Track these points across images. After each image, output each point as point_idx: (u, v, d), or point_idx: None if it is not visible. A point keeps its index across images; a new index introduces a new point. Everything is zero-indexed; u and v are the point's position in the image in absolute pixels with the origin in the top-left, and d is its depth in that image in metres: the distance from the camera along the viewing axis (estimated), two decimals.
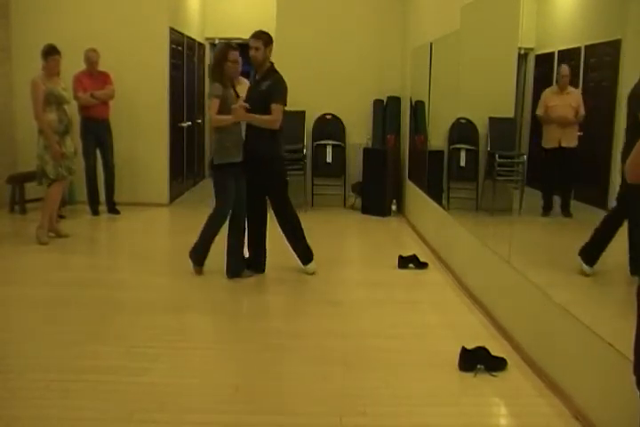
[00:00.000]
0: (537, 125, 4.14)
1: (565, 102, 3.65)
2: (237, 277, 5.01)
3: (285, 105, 4.93)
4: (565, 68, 3.66)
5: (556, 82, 3.74)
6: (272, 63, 5.00)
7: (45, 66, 5.90)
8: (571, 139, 3.64)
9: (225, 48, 4.90)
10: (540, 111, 3.85)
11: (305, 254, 5.22)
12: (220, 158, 4.88)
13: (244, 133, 5.02)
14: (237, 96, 4.96)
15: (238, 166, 4.91)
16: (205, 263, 5.14)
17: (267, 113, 4.84)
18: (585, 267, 3.22)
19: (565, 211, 3.78)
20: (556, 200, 3.93)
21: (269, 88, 4.90)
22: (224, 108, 4.76)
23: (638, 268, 2.78)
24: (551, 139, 3.79)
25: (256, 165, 4.94)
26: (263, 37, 4.91)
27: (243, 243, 5.09)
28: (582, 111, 3.48)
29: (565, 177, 3.75)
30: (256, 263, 5.17)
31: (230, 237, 4.99)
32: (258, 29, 5.02)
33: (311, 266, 5.22)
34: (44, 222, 6.04)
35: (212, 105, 4.79)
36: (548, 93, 3.82)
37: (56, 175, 5.92)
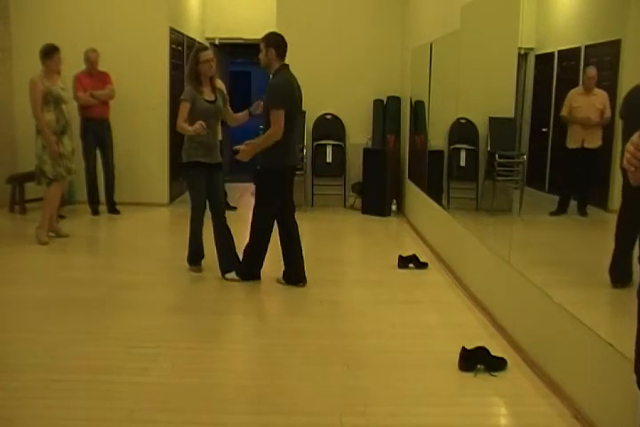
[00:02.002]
0: (537, 126, 4.14)
1: (590, 103, 3.63)
2: (191, 265, 5.15)
3: (284, 108, 4.56)
4: (592, 70, 3.63)
5: (582, 83, 3.72)
6: (281, 65, 4.69)
7: (47, 64, 5.88)
8: (594, 140, 3.62)
9: (195, 52, 4.95)
10: (564, 112, 3.83)
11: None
12: (186, 157, 4.97)
13: (219, 136, 5.04)
14: (215, 97, 4.95)
15: (211, 167, 4.95)
16: (206, 264, 5.15)
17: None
18: None
19: (582, 210, 3.74)
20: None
21: (266, 95, 4.72)
22: (192, 111, 4.80)
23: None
24: (575, 139, 3.77)
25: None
26: (265, 39, 4.70)
27: (199, 236, 5.06)
28: (608, 113, 3.44)
29: (585, 177, 3.74)
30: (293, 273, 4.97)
31: (190, 229, 5.08)
32: (270, 31, 4.83)
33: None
34: (43, 222, 6.03)
35: (180, 109, 4.85)
36: (573, 94, 3.79)
37: (55, 175, 5.91)
